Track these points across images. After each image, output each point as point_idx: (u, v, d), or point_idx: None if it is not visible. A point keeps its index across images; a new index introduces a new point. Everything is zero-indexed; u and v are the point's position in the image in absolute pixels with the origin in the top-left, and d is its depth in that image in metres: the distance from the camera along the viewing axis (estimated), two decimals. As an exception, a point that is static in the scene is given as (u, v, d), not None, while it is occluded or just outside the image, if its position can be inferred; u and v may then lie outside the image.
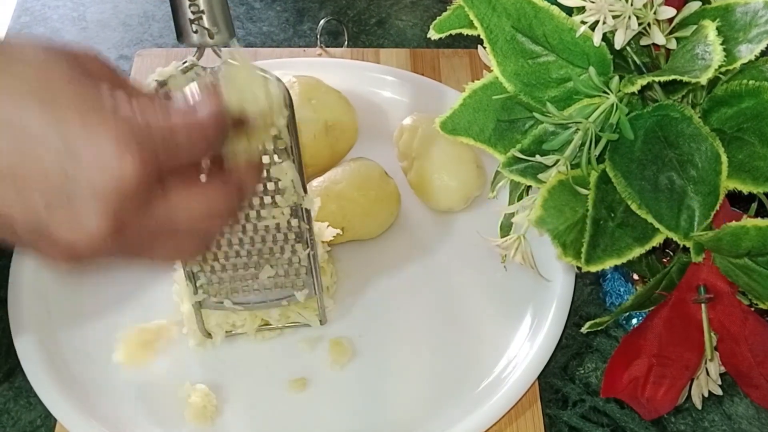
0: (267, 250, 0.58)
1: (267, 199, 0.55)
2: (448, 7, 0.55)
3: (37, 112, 0.37)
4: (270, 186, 0.55)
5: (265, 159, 0.53)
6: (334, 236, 0.63)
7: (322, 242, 0.63)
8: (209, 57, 0.50)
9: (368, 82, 0.79)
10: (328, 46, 0.84)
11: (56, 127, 0.37)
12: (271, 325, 0.63)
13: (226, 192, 0.43)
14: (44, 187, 0.37)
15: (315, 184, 0.67)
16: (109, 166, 0.37)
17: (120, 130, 0.37)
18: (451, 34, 0.56)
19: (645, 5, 0.48)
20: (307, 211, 0.56)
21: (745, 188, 0.49)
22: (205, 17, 0.47)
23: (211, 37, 0.48)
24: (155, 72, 0.52)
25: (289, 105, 0.51)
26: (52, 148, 0.37)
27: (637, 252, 0.50)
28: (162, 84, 0.51)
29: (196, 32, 0.48)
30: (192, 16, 0.47)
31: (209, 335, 0.62)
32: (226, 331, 0.62)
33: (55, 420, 0.59)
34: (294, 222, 0.57)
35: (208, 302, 0.60)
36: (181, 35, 0.48)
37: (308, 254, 0.58)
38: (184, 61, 0.50)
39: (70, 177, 0.37)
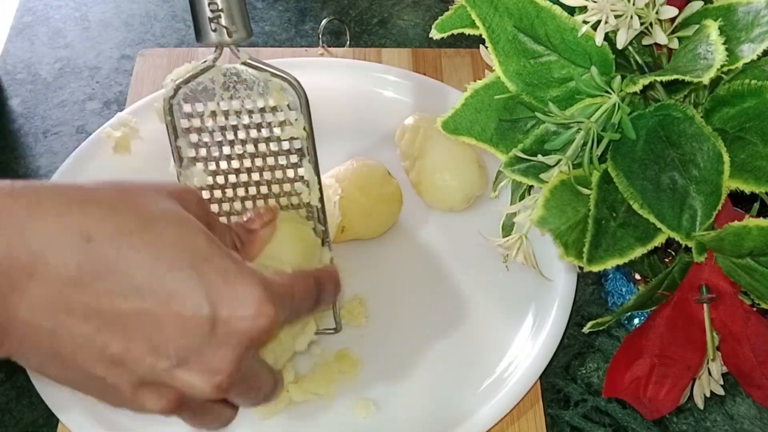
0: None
1: (284, 200, 0.56)
2: (449, 7, 0.55)
3: (185, 276, 0.39)
4: (286, 187, 0.55)
5: (282, 160, 0.54)
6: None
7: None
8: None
9: (370, 82, 0.79)
10: (330, 46, 0.84)
11: (202, 289, 0.39)
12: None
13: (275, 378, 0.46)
14: (181, 344, 0.39)
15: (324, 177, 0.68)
16: (252, 317, 0.40)
17: (258, 287, 0.40)
18: (453, 34, 0.56)
19: (647, 5, 0.48)
20: (323, 213, 0.56)
21: (747, 188, 0.49)
22: (223, 16, 0.48)
23: (230, 36, 0.48)
24: (172, 72, 0.52)
25: (306, 106, 0.51)
26: (198, 310, 0.39)
27: (639, 252, 0.50)
28: (174, 90, 0.51)
29: (215, 31, 0.48)
30: (211, 15, 0.47)
31: None
32: None
33: (57, 420, 0.59)
34: (310, 223, 0.57)
35: None
36: (199, 34, 0.49)
37: (329, 258, 0.58)
38: (204, 60, 0.50)
39: (210, 336, 0.39)
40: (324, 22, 0.84)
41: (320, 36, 0.84)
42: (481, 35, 0.52)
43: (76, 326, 0.38)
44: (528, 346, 0.62)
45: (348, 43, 0.85)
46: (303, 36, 0.87)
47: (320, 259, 0.57)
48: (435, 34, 0.56)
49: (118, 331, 0.38)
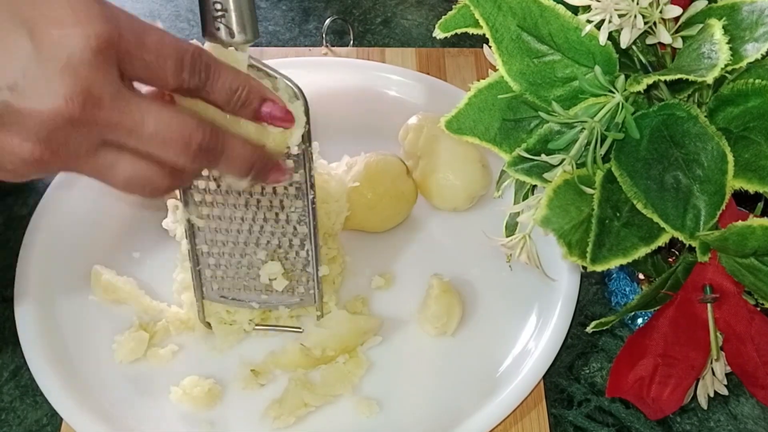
0: (272, 247, 0.58)
1: (276, 201, 0.56)
2: (453, 6, 0.55)
3: None
4: (280, 189, 0.55)
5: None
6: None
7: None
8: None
9: (374, 82, 0.79)
10: (334, 46, 0.84)
11: (9, 5, 0.37)
12: (266, 323, 0.63)
13: (197, 125, 0.43)
14: (6, 71, 0.37)
15: (334, 164, 0.68)
16: (75, 25, 0.38)
17: (81, 2, 0.38)
18: (456, 34, 0.56)
19: (651, 4, 0.48)
20: (314, 211, 0.56)
21: (752, 188, 0.49)
22: (227, 16, 0.48)
23: (232, 36, 0.48)
24: None
25: (306, 113, 0.51)
26: (12, 30, 0.37)
27: (642, 251, 0.50)
28: None
29: (218, 29, 0.48)
30: (216, 14, 0.47)
31: (208, 325, 0.63)
32: (223, 323, 0.62)
33: (61, 419, 0.59)
34: (300, 228, 0.57)
35: (210, 293, 0.60)
36: (205, 31, 0.48)
37: (314, 269, 0.59)
38: None
39: (35, 56, 0.37)
40: (328, 21, 0.84)
41: (324, 35, 0.84)
42: (484, 35, 0.52)
43: None
44: (531, 346, 0.62)
45: (351, 42, 0.85)
46: (307, 35, 0.87)
47: None
48: (438, 34, 0.56)
49: None
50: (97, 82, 0.39)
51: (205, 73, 0.44)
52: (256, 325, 0.63)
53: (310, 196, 0.55)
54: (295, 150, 0.52)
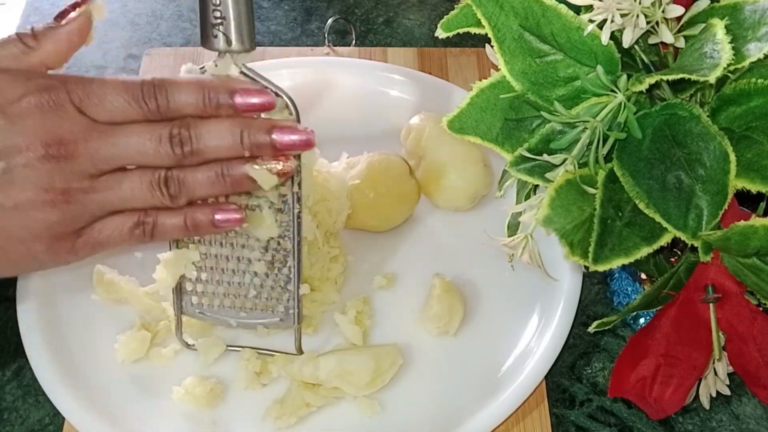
0: (252, 266, 0.57)
1: (259, 212, 0.55)
2: (455, 6, 0.55)
3: None
4: (267, 200, 0.55)
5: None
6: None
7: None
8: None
9: (376, 81, 0.79)
10: (336, 45, 0.84)
11: None
12: (240, 345, 0.62)
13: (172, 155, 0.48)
14: None
15: (335, 163, 0.68)
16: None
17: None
18: (458, 33, 0.56)
19: (653, 4, 0.48)
20: (299, 226, 0.55)
21: (754, 187, 0.49)
22: (227, 24, 0.48)
23: (229, 45, 0.48)
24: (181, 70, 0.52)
25: (296, 122, 0.51)
26: None
27: (644, 251, 0.50)
28: None
29: (216, 37, 0.48)
30: (215, 21, 0.48)
31: (186, 344, 0.62)
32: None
33: (63, 418, 0.59)
34: (283, 243, 0.56)
35: (189, 308, 0.60)
36: (203, 38, 0.49)
37: (294, 288, 0.58)
38: (201, 66, 0.50)
39: None
40: (330, 21, 0.84)
41: (326, 35, 0.84)
42: (486, 34, 0.52)
43: None
44: (533, 346, 0.62)
45: (354, 42, 0.85)
46: (309, 35, 0.87)
47: None
48: (440, 33, 0.56)
49: None
50: (66, 125, 0.46)
51: (164, 92, 0.47)
52: (252, 347, 0.62)
53: (296, 210, 0.54)
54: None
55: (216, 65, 0.50)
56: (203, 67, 0.50)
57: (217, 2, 0.47)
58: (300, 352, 0.61)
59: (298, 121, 0.51)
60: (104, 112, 0.46)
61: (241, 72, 0.50)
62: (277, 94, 0.50)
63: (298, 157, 0.52)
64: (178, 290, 0.59)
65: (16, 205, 0.45)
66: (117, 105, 0.46)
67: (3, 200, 0.45)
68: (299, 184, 0.53)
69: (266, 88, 0.49)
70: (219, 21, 0.48)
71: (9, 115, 0.44)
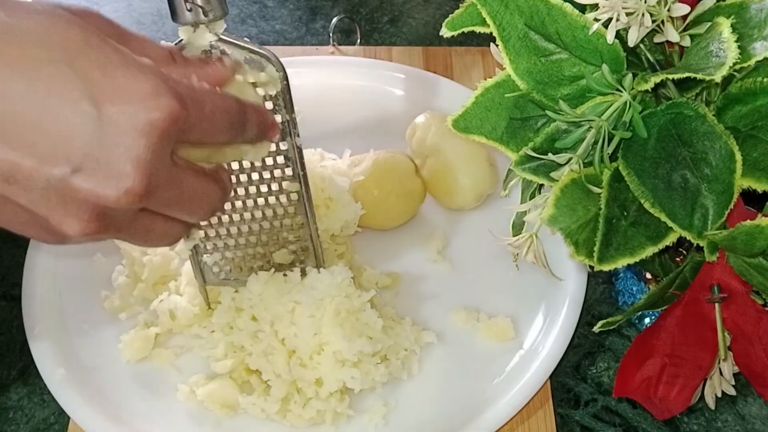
0: (268, 227, 0.58)
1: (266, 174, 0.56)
2: (460, 5, 0.55)
3: (56, 72, 0.36)
4: (268, 160, 0.55)
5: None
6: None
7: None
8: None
9: (381, 80, 0.79)
10: (341, 45, 0.84)
11: (79, 85, 0.36)
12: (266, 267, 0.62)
13: (220, 187, 0.45)
14: (70, 149, 0.36)
15: (339, 161, 0.69)
16: (142, 109, 0.36)
17: (149, 78, 0.37)
18: (463, 32, 0.56)
19: (658, 2, 0.48)
20: (305, 181, 0.56)
21: (760, 187, 0.48)
22: None
23: (205, 15, 0.48)
24: None
25: (285, 78, 0.51)
26: (79, 109, 0.36)
27: (650, 251, 0.50)
28: None
29: (190, 10, 0.48)
30: None
31: (209, 306, 0.63)
32: (222, 279, 0.62)
33: (68, 417, 0.60)
34: (293, 197, 0.57)
35: (211, 278, 0.61)
36: (175, 14, 0.48)
37: (309, 233, 0.59)
38: (179, 40, 0.50)
39: (100, 135, 0.36)
40: (335, 20, 0.84)
41: (331, 34, 0.84)
42: (491, 33, 0.52)
43: None
44: (538, 345, 0.62)
45: (359, 41, 0.85)
46: (314, 34, 0.87)
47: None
48: (445, 32, 0.56)
49: (0, 141, 0.35)
50: (158, 167, 0.38)
51: (243, 121, 0.45)
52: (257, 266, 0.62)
53: (296, 139, 0.54)
54: (279, 119, 0.52)
55: (192, 39, 0.50)
56: (180, 41, 0.50)
57: None
58: (321, 264, 0.62)
59: (285, 73, 0.51)
60: (195, 136, 0.41)
61: (220, 39, 0.49)
62: (261, 55, 0.50)
63: (292, 111, 0.52)
64: (198, 263, 0.60)
65: (46, 216, 0.38)
66: (212, 133, 0.42)
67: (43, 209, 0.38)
68: (288, 108, 0.53)
69: (246, 47, 0.50)
70: None
71: (109, 122, 0.37)
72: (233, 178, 0.55)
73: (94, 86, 0.36)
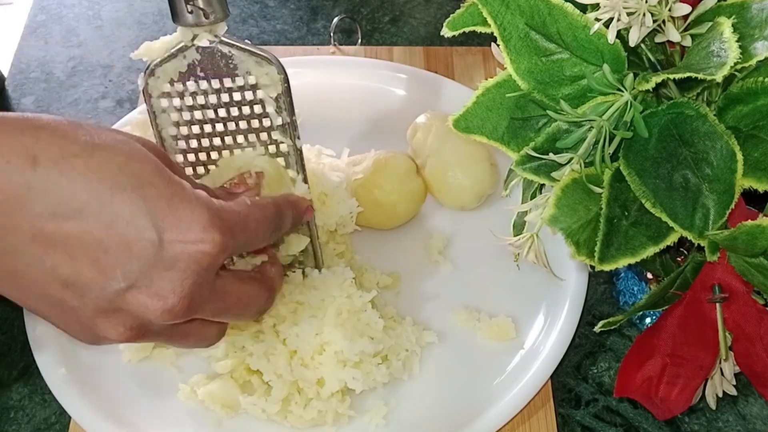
0: None
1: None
2: (461, 5, 0.55)
3: (128, 199, 0.40)
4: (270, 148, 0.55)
5: (263, 136, 0.55)
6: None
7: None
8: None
9: (382, 80, 0.79)
10: (342, 44, 0.84)
11: (146, 213, 0.40)
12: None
13: (266, 288, 0.50)
14: (130, 267, 0.40)
15: (337, 160, 0.68)
16: (196, 241, 0.41)
17: (204, 212, 0.42)
18: (464, 32, 0.56)
19: (660, 2, 0.48)
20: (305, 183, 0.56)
21: (761, 187, 0.48)
22: None
23: (206, 17, 0.48)
24: (140, 48, 0.52)
25: (285, 80, 0.51)
26: (143, 236, 0.40)
27: (651, 251, 0.50)
28: (151, 71, 0.51)
29: (191, 12, 0.48)
30: None
31: None
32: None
33: (69, 417, 0.60)
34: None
35: None
36: (175, 15, 0.48)
37: (309, 234, 0.59)
38: (180, 42, 0.50)
39: (158, 259, 0.40)
40: (336, 20, 0.84)
41: (332, 34, 0.84)
42: (492, 33, 0.52)
43: (24, 246, 0.39)
44: (539, 345, 0.62)
45: (359, 41, 0.85)
46: (315, 34, 0.87)
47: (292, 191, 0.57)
48: (446, 32, 0.56)
49: (66, 252, 0.39)
50: (202, 287, 0.43)
51: (282, 222, 0.50)
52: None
53: (295, 140, 0.55)
54: (279, 121, 0.53)
55: (192, 41, 0.50)
56: (181, 44, 0.50)
57: None
58: (320, 266, 0.62)
59: (285, 75, 0.52)
60: (241, 251, 0.48)
61: (221, 41, 0.49)
62: (262, 57, 0.50)
63: (292, 112, 0.53)
64: None
65: (92, 319, 0.42)
66: (255, 245, 0.48)
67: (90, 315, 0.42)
68: (288, 110, 0.53)
69: (246, 49, 0.50)
70: None
71: (167, 248, 0.41)
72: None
73: (158, 216, 0.40)
